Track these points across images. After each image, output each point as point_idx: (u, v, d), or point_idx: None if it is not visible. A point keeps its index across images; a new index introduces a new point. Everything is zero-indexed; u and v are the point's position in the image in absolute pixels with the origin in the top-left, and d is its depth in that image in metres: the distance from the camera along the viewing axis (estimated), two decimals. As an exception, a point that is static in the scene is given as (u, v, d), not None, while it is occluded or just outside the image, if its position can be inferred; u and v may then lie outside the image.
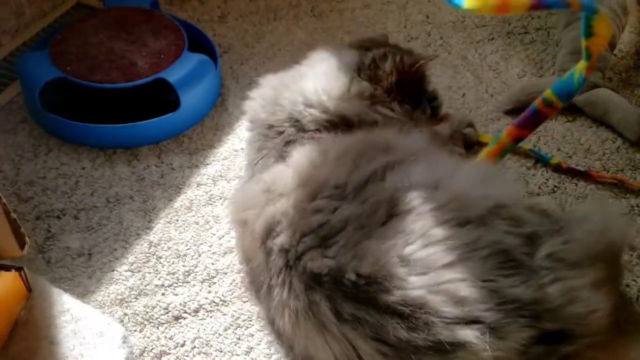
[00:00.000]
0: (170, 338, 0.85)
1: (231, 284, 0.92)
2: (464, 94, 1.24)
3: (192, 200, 1.03)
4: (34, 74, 1.09)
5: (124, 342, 0.79)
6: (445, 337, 0.68)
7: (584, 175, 1.09)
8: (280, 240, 0.77)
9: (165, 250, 0.96)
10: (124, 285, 0.91)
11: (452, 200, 0.76)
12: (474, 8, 0.82)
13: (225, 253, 0.96)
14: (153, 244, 0.96)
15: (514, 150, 1.13)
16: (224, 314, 0.88)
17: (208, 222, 1.00)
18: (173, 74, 1.10)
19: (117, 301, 0.89)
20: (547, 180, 1.09)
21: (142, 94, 1.11)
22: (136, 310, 0.88)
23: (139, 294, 0.90)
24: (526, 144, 1.15)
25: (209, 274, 0.93)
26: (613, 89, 1.22)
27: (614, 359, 0.74)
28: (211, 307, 0.89)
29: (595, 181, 1.08)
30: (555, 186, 1.08)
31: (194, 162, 1.10)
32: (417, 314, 0.69)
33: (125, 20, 1.19)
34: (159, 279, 0.92)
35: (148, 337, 0.85)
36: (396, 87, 0.95)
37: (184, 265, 0.94)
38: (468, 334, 0.68)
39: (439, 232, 0.73)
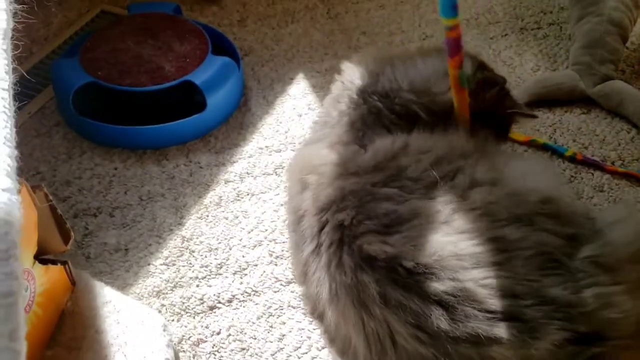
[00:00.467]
0: (206, 327, 0.89)
1: (262, 275, 0.96)
2: (479, 89, 1.28)
3: (220, 196, 1.08)
4: (67, 79, 1.13)
5: (164, 330, 0.83)
6: (483, 331, 0.71)
7: (599, 167, 1.12)
8: (342, 216, 0.81)
9: (197, 245, 1.00)
10: (160, 278, 0.95)
11: (504, 197, 0.80)
12: None
13: (254, 246, 1.00)
14: (186, 239, 1.01)
15: (530, 144, 1.17)
16: (256, 304, 0.92)
17: (237, 217, 1.04)
18: (199, 77, 1.14)
19: (155, 293, 0.93)
20: (564, 170, 1.12)
21: (170, 97, 1.16)
22: (173, 301, 0.92)
23: (175, 286, 0.94)
24: (542, 137, 1.18)
25: (240, 266, 0.97)
26: (626, 80, 1.25)
27: None
28: (244, 297, 0.93)
29: (609, 172, 1.11)
30: (572, 176, 1.11)
31: (221, 160, 1.14)
32: (462, 305, 0.72)
33: (150, 26, 1.24)
34: (192, 272, 0.96)
35: (185, 326, 0.89)
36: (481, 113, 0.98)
37: (216, 259, 0.98)
38: (505, 330, 0.71)
39: (492, 231, 0.77)
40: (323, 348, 0.88)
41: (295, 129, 1.20)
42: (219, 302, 0.92)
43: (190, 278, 0.95)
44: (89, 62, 1.16)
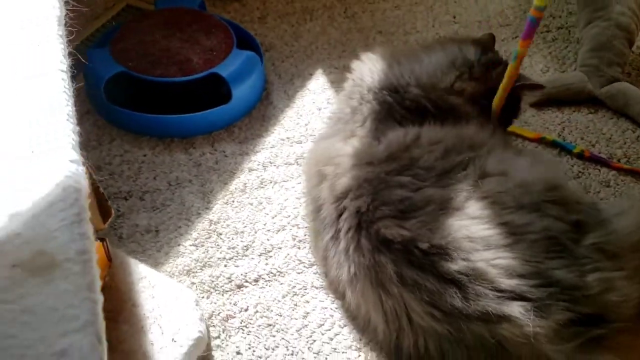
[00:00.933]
0: (235, 304, 0.94)
1: (286, 257, 1.01)
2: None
3: (245, 183, 1.13)
4: (99, 69, 1.18)
5: (196, 305, 0.88)
6: (493, 309, 0.76)
7: (605, 164, 1.18)
8: (359, 203, 0.86)
9: (224, 228, 1.05)
10: (190, 257, 1.00)
11: (514, 186, 0.85)
12: None
13: (278, 230, 1.05)
14: (213, 222, 1.05)
15: (540, 140, 1.23)
16: (281, 284, 0.97)
17: (261, 204, 1.09)
18: (225, 69, 1.20)
19: (185, 272, 0.98)
20: (572, 166, 1.18)
21: (196, 88, 1.21)
22: (202, 279, 0.97)
23: (204, 266, 0.99)
24: (551, 135, 1.24)
25: (265, 248, 1.02)
26: (632, 82, 1.30)
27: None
28: (269, 277, 0.98)
29: (615, 169, 1.17)
30: (580, 172, 1.17)
31: (245, 150, 1.19)
32: (474, 284, 0.78)
33: (178, 20, 1.29)
34: (220, 253, 1.01)
35: (215, 303, 0.94)
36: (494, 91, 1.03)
37: (242, 241, 1.03)
38: (514, 309, 0.76)
39: (502, 217, 0.82)
40: (345, 326, 0.92)
41: (315, 122, 1.26)
42: (246, 281, 0.97)
43: (218, 258, 1.00)
44: (119, 53, 1.21)
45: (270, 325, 0.92)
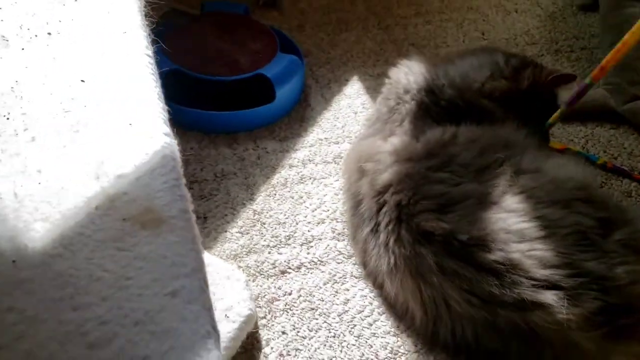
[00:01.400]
0: (279, 288, 1.00)
1: (326, 248, 1.07)
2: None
3: (286, 178, 1.19)
4: (152, 65, 1.25)
5: (246, 285, 0.94)
6: (528, 297, 0.81)
7: (627, 175, 1.24)
8: (399, 197, 0.92)
9: (267, 218, 1.11)
10: (236, 244, 1.06)
11: (547, 182, 0.91)
12: None
13: (318, 223, 1.11)
14: (257, 212, 1.11)
15: (565, 151, 1.29)
16: (322, 272, 1.03)
17: (301, 197, 1.15)
18: (270, 71, 1.26)
19: (232, 256, 1.04)
20: (596, 176, 1.24)
21: (242, 87, 1.27)
22: (248, 264, 1.03)
23: (249, 252, 1.05)
24: (576, 146, 1.30)
25: (306, 239, 1.08)
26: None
27: None
28: (311, 265, 1.04)
29: (637, 180, 1.23)
30: (603, 182, 1.23)
31: (285, 147, 1.25)
32: (510, 274, 0.83)
33: (227, 24, 1.36)
34: (264, 241, 1.07)
35: (260, 286, 1.00)
36: (528, 92, 1.08)
37: (284, 231, 1.09)
38: (548, 297, 0.81)
39: (535, 211, 0.87)
40: (383, 313, 0.98)
41: (351, 124, 1.32)
42: (289, 268, 1.03)
43: (263, 246, 1.06)
44: (172, 52, 1.27)
45: (312, 309, 0.97)
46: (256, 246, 1.06)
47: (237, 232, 1.08)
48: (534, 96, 1.09)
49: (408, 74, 1.11)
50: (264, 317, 0.96)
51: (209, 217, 1.10)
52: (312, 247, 1.07)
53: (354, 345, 0.93)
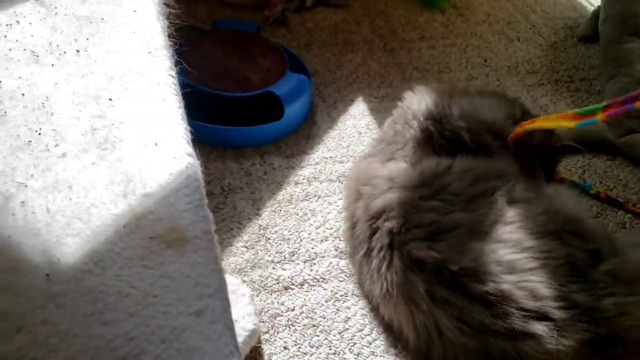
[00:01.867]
0: (282, 303, 1.02)
1: (328, 265, 1.09)
2: (519, 129, 1.43)
3: (291, 195, 1.21)
4: (163, 78, 1.27)
5: (251, 300, 0.96)
6: (519, 327, 0.84)
7: (620, 206, 1.28)
8: (391, 224, 0.94)
9: (272, 233, 1.13)
10: (241, 258, 1.08)
11: (538, 213, 0.93)
12: None
13: (322, 240, 1.13)
14: (262, 227, 1.14)
15: (560, 181, 1.32)
16: (325, 289, 1.05)
17: (306, 214, 1.18)
18: (280, 89, 1.29)
19: (237, 270, 1.06)
20: (591, 207, 1.27)
21: (251, 104, 1.30)
22: (252, 278, 1.05)
23: (254, 266, 1.07)
24: (572, 176, 1.34)
25: (309, 255, 1.10)
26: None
27: None
28: (313, 282, 1.06)
29: (629, 211, 1.27)
30: (599, 212, 1.26)
31: (291, 164, 1.28)
32: (501, 304, 0.85)
33: (237, 41, 1.39)
34: (269, 256, 1.09)
35: (264, 301, 1.02)
36: (533, 147, 1.10)
37: (288, 247, 1.11)
38: (538, 328, 0.83)
39: (527, 242, 0.90)
40: (383, 332, 1.00)
41: (355, 144, 1.35)
42: (292, 284, 1.05)
43: (267, 261, 1.08)
44: (183, 66, 1.30)
45: (314, 325, 1.00)
46: (261, 261, 1.08)
47: (242, 247, 1.10)
48: (537, 151, 1.12)
49: (420, 101, 1.14)
50: (267, 332, 0.98)
51: (215, 230, 1.12)
52: (315, 264, 1.09)
53: (354, 363, 0.96)
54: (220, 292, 0.55)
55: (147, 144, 0.66)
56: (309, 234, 1.14)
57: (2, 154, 0.60)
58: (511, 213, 0.94)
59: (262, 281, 1.05)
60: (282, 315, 1.01)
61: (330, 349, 0.97)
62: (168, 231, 0.58)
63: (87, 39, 0.77)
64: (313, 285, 1.06)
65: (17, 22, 0.77)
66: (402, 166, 1.04)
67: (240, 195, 1.20)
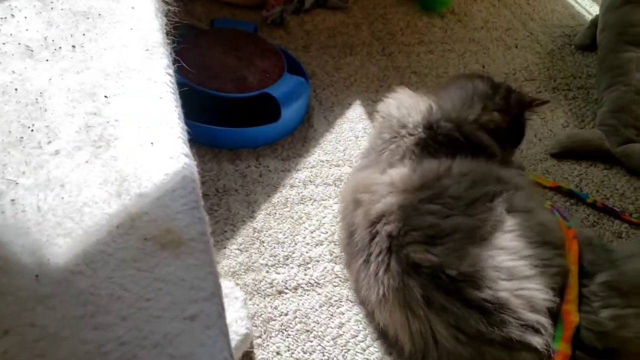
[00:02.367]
0: (275, 308, 1.01)
1: (323, 270, 1.08)
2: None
3: (287, 198, 1.20)
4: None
5: (245, 303, 0.95)
6: (516, 336, 0.83)
7: (616, 215, 1.27)
8: (390, 227, 0.93)
9: (267, 237, 1.12)
10: (235, 260, 1.06)
11: (535, 224, 0.93)
12: None
13: (316, 245, 1.12)
14: (257, 230, 1.12)
15: (557, 189, 1.32)
16: (319, 294, 1.04)
17: (301, 218, 1.16)
18: (277, 90, 1.28)
19: (230, 273, 1.04)
20: (588, 216, 1.27)
21: (247, 104, 1.29)
22: (246, 282, 1.04)
23: (248, 269, 1.06)
24: (569, 185, 1.33)
25: (304, 260, 1.09)
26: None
27: None
28: (307, 287, 1.05)
29: (625, 221, 1.26)
30: (595, 221, 1.26)
31: (287, 167, 1.27)
32: (498, 312, 0.84)
33: (235, 40, 1.38)
34: (263, 259, 1.08)
35: (257, 305, 1.01)
36: (513, 121, 1.09)
37: (283, 250, 1.10)
38: (534, 340, 0.83)
39: (525, 251, 0.89)
40: (377, 339, 0.99)
41: (352, 148, 1.34)
42: (286, 288, 1.04)
43: (261, 264, 1.07)
44: (180, 64, 1.28)
45: (307, 331, 0.98)
46: (254, 264, 1.07)
47: (236, 249, 1.09)
48: (517, 120, 1.11)
49: (400, 108, 1.11)
50: (260, 337, 0.96)
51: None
52: (309, 268, 1.08)
53: (347, 370, 0.94)
54: (216, 297, 0.53)
55: (143, 142, 0.65)
56: (304, 237, 1.13)
57: (-8, 149, 0.59)
58: (510, 222, 0.93)
59: (255, 285, 1.03)
60: (275, 320, 0.99)
61: (324, 355, 0.95)
62: (163, 233, 0.57)
63: (84, 34, 0.76)
64: (307, 290, 1.04)
65: (12, 15, 0.75)
66: (402, 171, 1.03)
67: (235, 197, 1.18)
